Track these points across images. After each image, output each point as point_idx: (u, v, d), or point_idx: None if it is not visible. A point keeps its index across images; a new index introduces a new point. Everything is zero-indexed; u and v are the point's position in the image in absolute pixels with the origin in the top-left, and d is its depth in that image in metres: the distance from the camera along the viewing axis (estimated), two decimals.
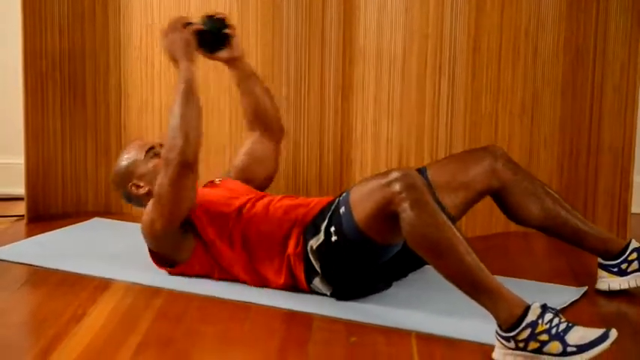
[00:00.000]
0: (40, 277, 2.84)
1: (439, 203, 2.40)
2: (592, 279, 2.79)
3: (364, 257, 2.54)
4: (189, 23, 2.74)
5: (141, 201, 2.87)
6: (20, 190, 3.51)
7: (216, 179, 2.98)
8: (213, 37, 2.82)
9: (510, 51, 3.28)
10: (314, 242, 2.58)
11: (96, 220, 3.47)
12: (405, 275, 2.75)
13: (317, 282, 2.62)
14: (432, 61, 3.21)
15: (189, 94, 2.63)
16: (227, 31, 2.84)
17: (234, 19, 3.29)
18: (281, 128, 3.06)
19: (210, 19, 2.82)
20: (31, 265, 2.93)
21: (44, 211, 3.53)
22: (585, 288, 2.75)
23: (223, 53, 2.89)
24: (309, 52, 3.32)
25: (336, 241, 2.53)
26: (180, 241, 2.74)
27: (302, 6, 3.29)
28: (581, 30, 3.32)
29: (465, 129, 3.26)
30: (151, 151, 2.88)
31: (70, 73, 3.54)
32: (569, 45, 3.33)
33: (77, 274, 2.84)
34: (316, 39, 3.30)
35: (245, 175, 3.02)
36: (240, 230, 2.69)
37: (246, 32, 3.29)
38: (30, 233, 3.30)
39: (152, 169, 2.83)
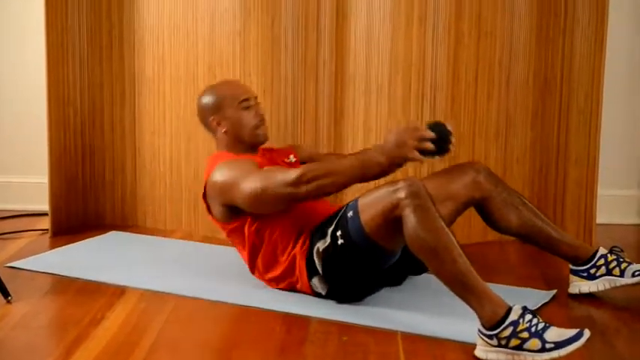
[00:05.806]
0: (62, 285, 2.83)
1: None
2: (561, 284, 2.78)
3: (366, 260, 2.51)
4: (427, 139, 2.41)
5: (214, 134, 2.82)
6: (44, 206, 3.48)
7: (292, 157, 2.88)
8: (434, 152, 2.45)
9: (486, 79, 3.27)
10: (320, 245, 2.56)
11: (113, 234, 3.45)
12: (398, 284, 2.73)
13: (316, 280, 2.60)
14: (415, 88, 3.21)
15: (365, 172, 2.48)
16: (450, 147, 2.45)
17: (237, 50, 3.28)
18: None
19: (441, 131, 2.44)
20: (54, 274, 2.91)
21: (66, 225, 3.50)
22: (554, 291, 2.74)
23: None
24: (305, 80, 3.29)
25: (342, 244, 2.51)
26: (235, 211, 2.67)
27: (298, 40, 3.27)
28: (549, 61, 3.33)
29: None
30: (244, 102, 2.79)
31: (89, 101, 3.52)
32: (538, 74, 3.34)
33: (96, 282, 2.83)
34: (311, 69, 3.28)
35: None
36: (278, 223, 2.66)
37: (248, 61, 3.27)
38: (53, 245, 3.28)
39: (237, 119, 2.77)
